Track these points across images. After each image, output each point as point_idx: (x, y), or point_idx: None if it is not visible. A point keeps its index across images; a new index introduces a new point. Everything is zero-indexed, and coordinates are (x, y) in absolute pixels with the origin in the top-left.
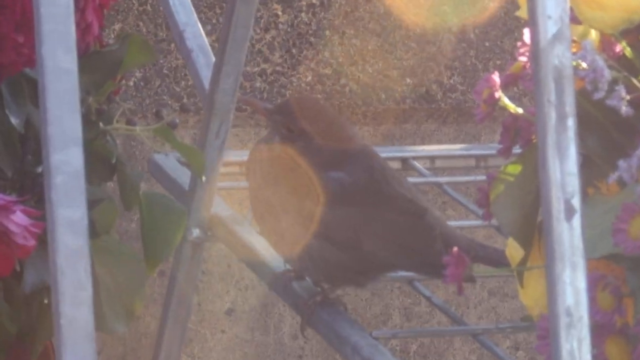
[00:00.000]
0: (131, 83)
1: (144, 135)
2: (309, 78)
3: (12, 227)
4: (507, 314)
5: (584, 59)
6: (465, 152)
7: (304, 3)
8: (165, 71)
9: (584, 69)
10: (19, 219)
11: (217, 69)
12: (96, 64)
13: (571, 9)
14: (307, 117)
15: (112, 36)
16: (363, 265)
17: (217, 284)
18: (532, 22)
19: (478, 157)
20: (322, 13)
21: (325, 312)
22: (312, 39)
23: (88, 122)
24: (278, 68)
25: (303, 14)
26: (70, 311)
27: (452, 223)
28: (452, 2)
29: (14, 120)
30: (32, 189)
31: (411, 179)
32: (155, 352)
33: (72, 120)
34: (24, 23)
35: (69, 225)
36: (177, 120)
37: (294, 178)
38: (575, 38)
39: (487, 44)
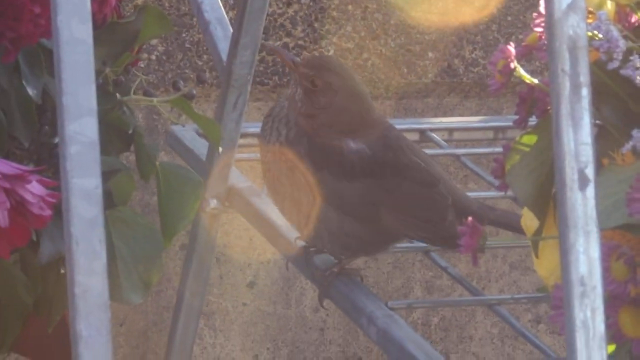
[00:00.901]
0: (153, 57)
1: (161, 107)
2: (331, 52)
3: (28, 197)
4: (528, 287)
5: (598, 29)
6: (483, 124)
7: None
8: (187, 45)
9: (599, 39)
10: (35, 189)
11: (235, 41)
12: (113, 36)
13: None
14: (333, 74)
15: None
16: (379, 237)
17: (239, 257)
18: None
19: (496, 129)
20: None
21: (342, 283)
22: (334, 13)
23: (105, 93)
24: (300, 42)
25: None
26: (84, 280)
27: (471, 194)
28: None
29: (31, 91)
30: (49, 160)
31: (429, 151)
32: (173, 324)
33: (87, 91)
34: None
35: (84, 195)
36: (194, 92)
37: (310, 150)
38: (591, 9)
39: (509, 18)
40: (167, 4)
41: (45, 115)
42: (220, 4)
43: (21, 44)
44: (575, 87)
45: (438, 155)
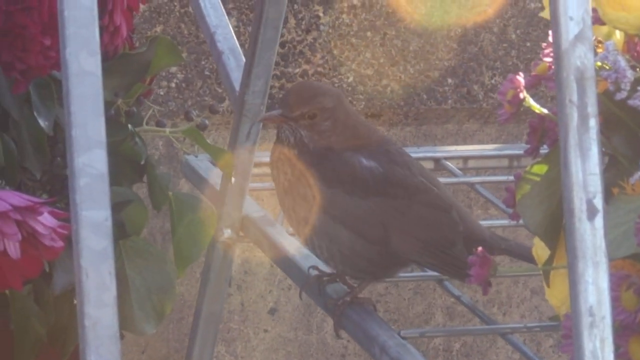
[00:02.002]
0: (173, 84)
1: (173, 137)
2: (350, 79)
3: (40, 229)
4: (550, 312)
5: (606, 59)
6: (498, 152)
7: (345, 4)
8: (206, 72)
9: (606, 69)
10: (46, 220)
11: (247, 71)
12: (124, 67)
13: (595, 10)
14: (320, 96)
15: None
16: (387, 259)
17: (260, 284)
18: (554, 23)
19: (511, 157)
20: (364, 14)
21: (354, 312)
22: (353, 40)
23: (117, 124)
24: (319, 69)
25: (344, 15)
26: (94, 312)
27: (486, 222)
28: (493, 2)
29: (42, 123)
30: (62, 191)
31: (443, 179)
32: (188, 353)
33: (96, 123)
34: (52, 25)
35: (93, 227)
36: (207, 122)
37: (320, 169)
38: (600, 39)
39: (528, 44)
40: (185, 32)
41: (57, 147)
42: (233, 34)
43: (31, 76)
44: (583, 118)
45: (453, 184)
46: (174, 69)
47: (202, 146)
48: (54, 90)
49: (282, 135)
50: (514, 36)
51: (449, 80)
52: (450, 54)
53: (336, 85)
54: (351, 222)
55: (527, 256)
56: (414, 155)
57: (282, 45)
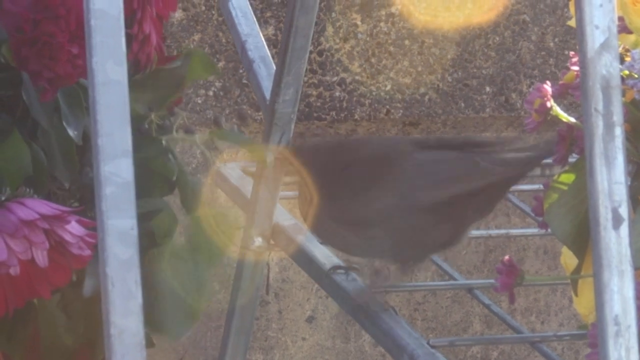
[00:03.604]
0: (211, 93)
1: (202, 146)
2: (388, 87)
3: (68, 238)
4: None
5: (632, 68)
6: None
7: (383, 12)
8: (244, 81)
9: (632, 78)
10: (74, 229)
11: (278, 80)
12: (158, 81)
13: (622, 19)
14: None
15: (192, 46)
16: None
17: (298, 292)
18: (579, 31)
19: (543, 166)
20: (401, 22)
21: (382, 320)
22: (391, 48)
23: (149, 139)
24: (357, 77)
25: (382, 24)
26: (120, 321)
27: (521, 231)
28: (531, 11)
29: (71, 132)
30: (91, 200)
31: None
32: None
33: (123, 132)
34: (79, 34)
35: (119, 235)
36: (236, 128)
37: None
38: (627, 47)
39: (566, 52)
40: (223, 40)
41: (86, 156)
42: (264, 43)
43: (59, 84)
44: (609, 127)
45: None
46: (211, 78)
47: (231, 140)
48: (82, 99)
49: None
50: (552, 44)
51: (487, 89)
52: (488, 62)
53: (374, 93)
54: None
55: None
56: None
57: (320, 53)
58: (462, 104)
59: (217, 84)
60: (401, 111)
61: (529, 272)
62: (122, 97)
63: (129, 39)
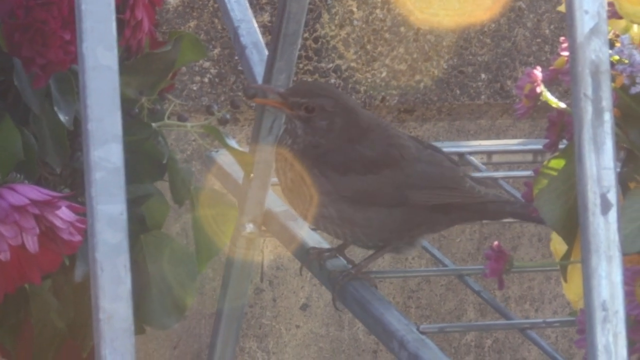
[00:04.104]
0: (206, 79)
1: (194, 132)
2: (384, 74)
3: (58, 223)
4: None
5: (621, 53)
6: (522, 147)
7: None
8: (240, 67)
9: (622, 63)
10: (64, 214)
11: (270, 66)
12: (149, 65)
13: (612, 4)
14: (323, 97)
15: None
16: (409, 220)
17: (292, 280)
18: (569, 16)
19: (535, 152)
20: (397, 9)
21: (372, 305)
22: (386, 35)
23: (140, 122)
24: (353, 64)
25: (378, 10)
26: (109, 306)
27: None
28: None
29: (62, 117)
30: (82, 186)
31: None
32: (210, 350)
33: (113, 117)
34: (72, 20)
35: (108, 220)
36: (229, 116)
37: (328, 161)
38: (617, 32)
39: (562, 39)
40: (219, 27)
41: (77, 141)
42: (257, 29)
43: (52, 70)
44: (598, 112)
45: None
46: (207, 64)
47: (221, 143)
48: (74, 85)
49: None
50: (547, 31)
51: (482, 76)
52: (483, 49)
53: (369, 80)
54: (371, 197)
55: (533, 217)
56: None
57: (316, 40)
58: (458, 91)
59: (212, 70)
60: (396, 98)
61: (524, 259)
62: (112, 82)
63: (121, 24)
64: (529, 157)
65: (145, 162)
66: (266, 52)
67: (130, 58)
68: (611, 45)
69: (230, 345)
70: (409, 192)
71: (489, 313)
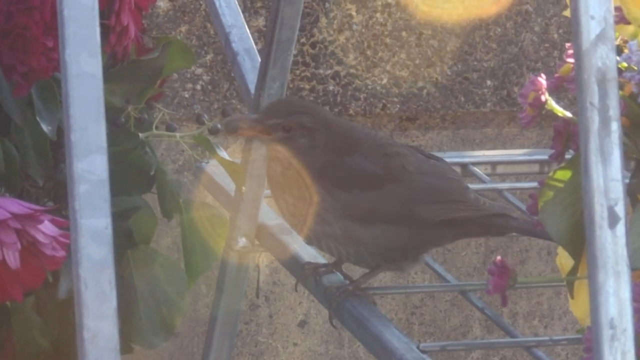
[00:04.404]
0: (198, 87)
1: (183, 143)
2: (384, 81)
3: (40, 238)
4: None
5: (629, 60)
6: (528, 158)
7: (379, 3)
8: (233, 74)
9: (631, 70)
10: (47, 229)
11: (263, 73)
12: (135, 72)
13: (620, 9)
14: (300, 114)
15: (179, 38)
16: (415, 237)
17: (290, 295)
18: (574, 22)
19: (542, 163)
20: (398, 13)
21: (370, 323)
22: (387, 40)
23: (126, 132)
24: (352, 70)
25: (378, 14)
26: (93, 324)
27: None
28: (534, 1)
29: (45, 127)
30: (66, 199)
31: (471, 186)
32: None
33: (97, 127)
34: (54, 26)
35: (93, 235)
36: (219, 126)
37: (327, 177)
38: (626, 38)
39: (567, 45)
40: (212, 32)
41: (61, 152)
42: (249, 35)
43: (33, 78)
44: (605, 121)
45: (480, 191)
46: (199, 71)
47: (212, 155)
48: (57, 93)
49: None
50: (556, 36)
51: (488, 82)
52: (489, 54)
53: (369, 87)
54: (377, 214)
55: (538, 232)
56: None
57: (313, 45)
58: (462, 99)
59: (205, 77)
60: (398, 106)
61: (532, 273)
62: (96, 91)
63: (106, 30)
64: (536, 168)
65: (132, 173)
66: (259, 59)
67: (116, 65)
68: (619, 51)
69: None
70: (415, 208)
71: (496, 330)
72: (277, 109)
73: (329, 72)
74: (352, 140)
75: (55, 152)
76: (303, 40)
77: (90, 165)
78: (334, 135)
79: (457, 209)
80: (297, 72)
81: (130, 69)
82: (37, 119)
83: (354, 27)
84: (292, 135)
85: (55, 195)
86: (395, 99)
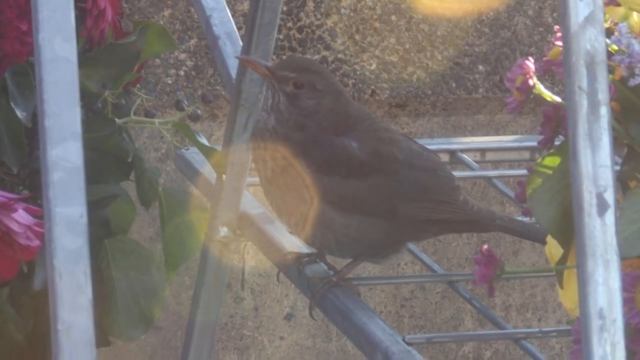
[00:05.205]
0: (182, 73)
1: (163, 129)
2: (374, 66)
3: (15, 227)
4: None
5: (619, 43)
6: (518, 144)
7: None
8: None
9: (620, 54)
10: (21, 218)
11: None
12: (112, 57)
13: None
14: (314, 73)
15: (162, 22)
16: (388, 238)
17: (276, 288)
18: (562, 3)
19: (532, 149)
20: None
21: (355, 315)
22: (376, 24)
23: (103, 118)
24: (340, 56)
25: None
26: (68, 317)
27: None
28: None
29: (19, 113)
30: (41, 187)
31: (459, 173)
32: None
33: (71, 113)
34: (29, 9)
35: (67, 224)
36: (200, 112)
37: (311, 156)
38: (615, 21)
39: (556, 28)
40: (195, 16)
41: (36, 139)
42: (230, 18)
43: (8, 63)
44: (593, 106)
45: (468, 178)
46: (182, 56)
47: (192, 142)
48: (32, 79)
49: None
50: (550, 19)
51: (480, 68)
52: (481, 39)
53: (358, 72)
54: (352, 205)
55: (524, 232)
56: (427, 147)
57: (300, 30)
58: (453, 84)
59: (188, 63)
60: (387, 92)
61: (525, 264)
62: (71, 75)
63: (83, 14)
64: (526, 155)
65: (109, 161)
66: (240, 43)
67: (92, 49)
68: (608, 34)
69: (204, 358)
70: (397, 203)
71: (489, 322)
72: (292, 63)
73: (316, 57)
74: (353, 118)
75: (30, 139)
76: (289, 24)
77: (64, 152)
78: (338, 107)
79: (442, 210)
80: (284, 57)
81: (106, 53)
82: (12, 104)
83: (342, 10)
84: (300, 94)
85: (30, 183)
86: (385, 85)
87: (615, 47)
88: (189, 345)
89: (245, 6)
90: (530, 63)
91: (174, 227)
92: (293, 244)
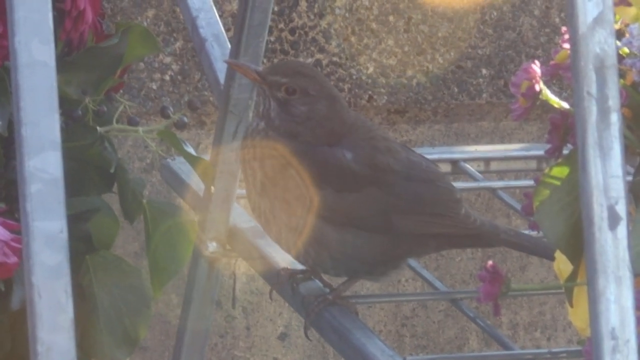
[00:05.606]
0: (167, 77)
1: (147, 138)
2: (370, 70)
3: None
4: None
5: (630, 45)
6: (524, 153)
7: None
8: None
9: (633, 57)
10: None
11: None
12: (93, 60)
13: None
14: (307, 78)
15: (146, 24)
16: (384, 254)
17: (269, 306)
18: (569, 3)
19: (539, 159)
20: None
21: (352, 335)
22: (373, 25)
23: (84, 126)
24: (335, 59)
25: None
26: (48, 337)
27: None
28: None
29: None
30: (18, 199)
31: (461, 184)
32: None
33: (50, 121)
34: (3, 10)
35: (47, 239)
36: (186, 119)
37: (304, 167)
38: (626, 22)
39: (564, 29)
40: (181, 17)
41: (12, 149)
42: (218, 19)
43: None
44: (603, 112)
45: (472, 189)
46: (167, 60)
47: (178, 150)
48: (7, 84)
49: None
50: (557, 20)
51: (484, 71)
52: (484, 40)
53: (354, 77)
54: (346, 219)
55: (531, 247)
56: (428, 156)
57: (292, 31)
58: (455, 89)
59: (174, 67)
60: (385, 97)
61: (533, 281)
62: (49, 81)
63: (61, 15)
64: (533, 164)
65: (90, 171)
66: (229, 46)
67: (71, 53)
68: (619, 36)
69: None
70: (394, 217)
71: (495, 342)
72: (283, 68)
73: (309, 60)
74: (347, 125)
75: (7, 149)
76: (281, 25)
77: (42, 163)
78: (333, 113)
79: (442, 224)
80: (275, 60)
81: (87, 57)
82: None
83: (337, 11)
84: (292, 100)
85: (7, 195)
86: (383, 90)
87: (626, 49)
88: None
89: (234, 6)
90: (536, 67)
91: (160, 241)
92: (286, 259)
